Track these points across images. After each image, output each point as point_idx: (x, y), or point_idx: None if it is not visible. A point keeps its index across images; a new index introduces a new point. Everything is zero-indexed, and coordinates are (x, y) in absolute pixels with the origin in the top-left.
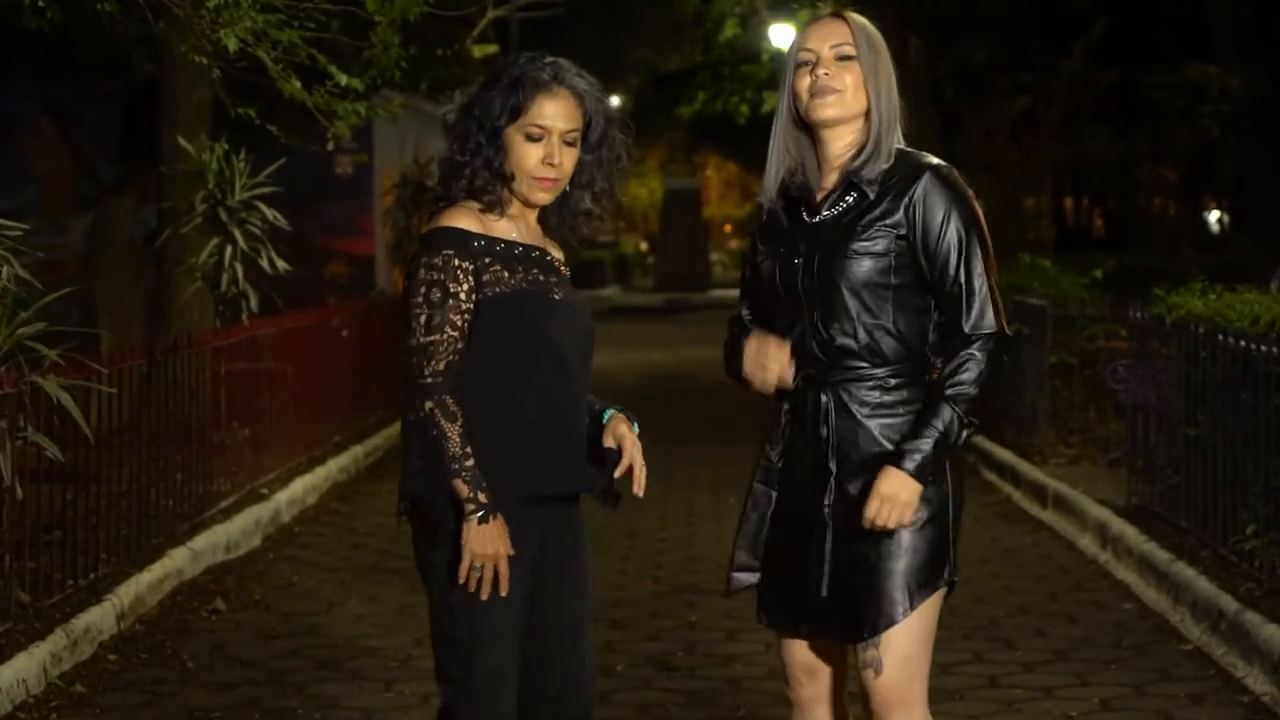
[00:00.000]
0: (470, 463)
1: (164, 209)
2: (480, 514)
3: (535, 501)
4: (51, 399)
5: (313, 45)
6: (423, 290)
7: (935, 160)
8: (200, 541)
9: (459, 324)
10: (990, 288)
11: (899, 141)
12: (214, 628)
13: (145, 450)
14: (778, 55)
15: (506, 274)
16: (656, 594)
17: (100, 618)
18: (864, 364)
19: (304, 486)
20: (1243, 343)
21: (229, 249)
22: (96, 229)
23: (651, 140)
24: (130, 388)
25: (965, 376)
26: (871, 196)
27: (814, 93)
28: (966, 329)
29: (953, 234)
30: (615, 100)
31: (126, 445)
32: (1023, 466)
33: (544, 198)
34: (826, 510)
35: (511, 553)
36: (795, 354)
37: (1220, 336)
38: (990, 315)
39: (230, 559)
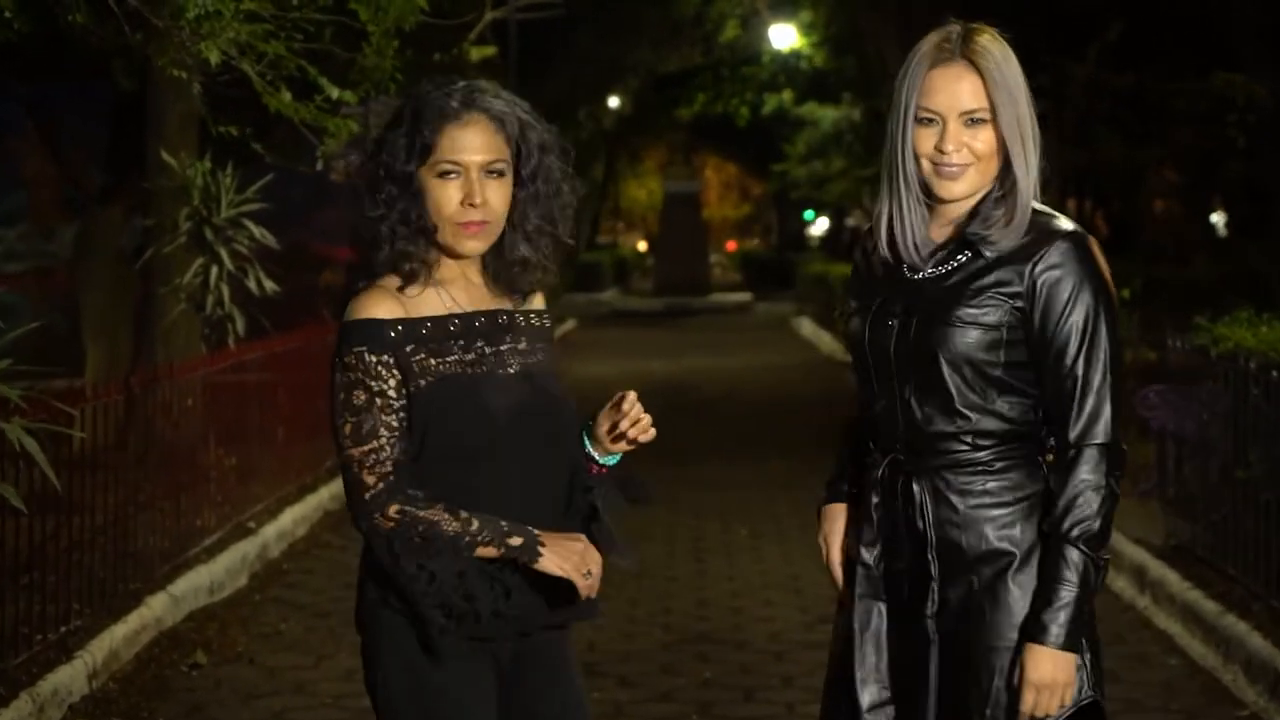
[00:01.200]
0: (475, 524)
1: (149, 226)
2: (532, 551)
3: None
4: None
5: (302, 57)
6: (341, 398)
7: (1070, 225)
8: (181, 585)
9: (395, 424)
10: (1110, 389)
11: (1037, 196)
12: (194, 685)
13: (125, 484)
14: (778, 57)
15: (434, 360)
16: (666, 645)
17: (70, 677)
18: (963, 447)
19: (294, 518)
20: None
21: (214, 269)
22: (82, 239)
23: (651, 141)
24: (108, 420)
25: (1086, 510)
26: (989, 258)
27: (939, 168)
28: (1073, 435)
29: (1078, 317)
30: (614, 100)
31: (105, 478)
32: None
33: (474, 245)
34: (930, 621)
35: (582, 539)
36: (881, 436)
37: (1275, 373)
38: (1104, 422)
39: (214, 602)
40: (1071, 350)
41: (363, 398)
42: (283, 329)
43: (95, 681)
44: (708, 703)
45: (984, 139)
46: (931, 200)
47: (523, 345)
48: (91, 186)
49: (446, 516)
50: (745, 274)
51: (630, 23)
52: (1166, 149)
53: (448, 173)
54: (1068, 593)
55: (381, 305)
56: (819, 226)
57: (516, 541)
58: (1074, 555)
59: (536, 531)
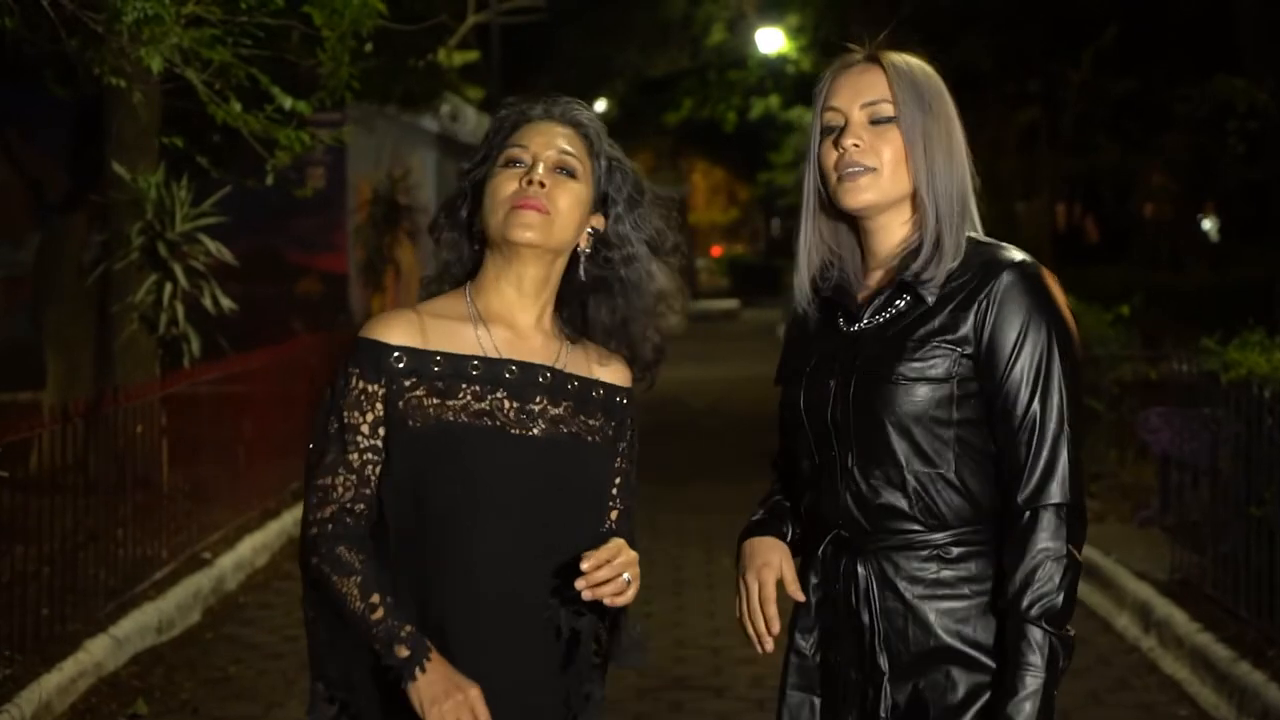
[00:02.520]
0: (379, 613)
1: (104, 240)
2: (410, 669)
3: None
4: None
5: (254, 64)
6: (322, 416)
7: (1019, 255)
8: (127, 625)
9: (357, 464)
10: (1069, 440)
11: (973, 225)
12: None
13: (70, 516)
14: (765, 61)
15: (434, 400)
16: (641, 691)
17: None
18: (916, 526)
19: (253, 546)
20: None
21: (168, 286)
22: (43, 250)
23: (638, 147)
24: (55, 448)
25: (1046, 583)
26: (930, 302)
27: (840, 171)
28: (1025, 494)
29: (1029, 357)
30: (601, 104)
31: (50, 510)
32: None
33: (529, 234)
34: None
35: (475, 690)
36: (820, 512)
37: None
38: (1062, 479)
39: (162, 643)
40: (1023, 396)
41: (335, 426)
42: (251, 342)
43: None
44: None
45: (891, 142)
46: (846, 226)
47: (561, 411)
48: (54, 194)
49: (357, 594)
50: (732, 280)
51: (616, 26)
52: (1163, 154)
53: (512, 161)
54: (1033, 679)
55: (396, 327)
56: None
57: (402, 653)
58: (1036, 635)
59: (432, 655)
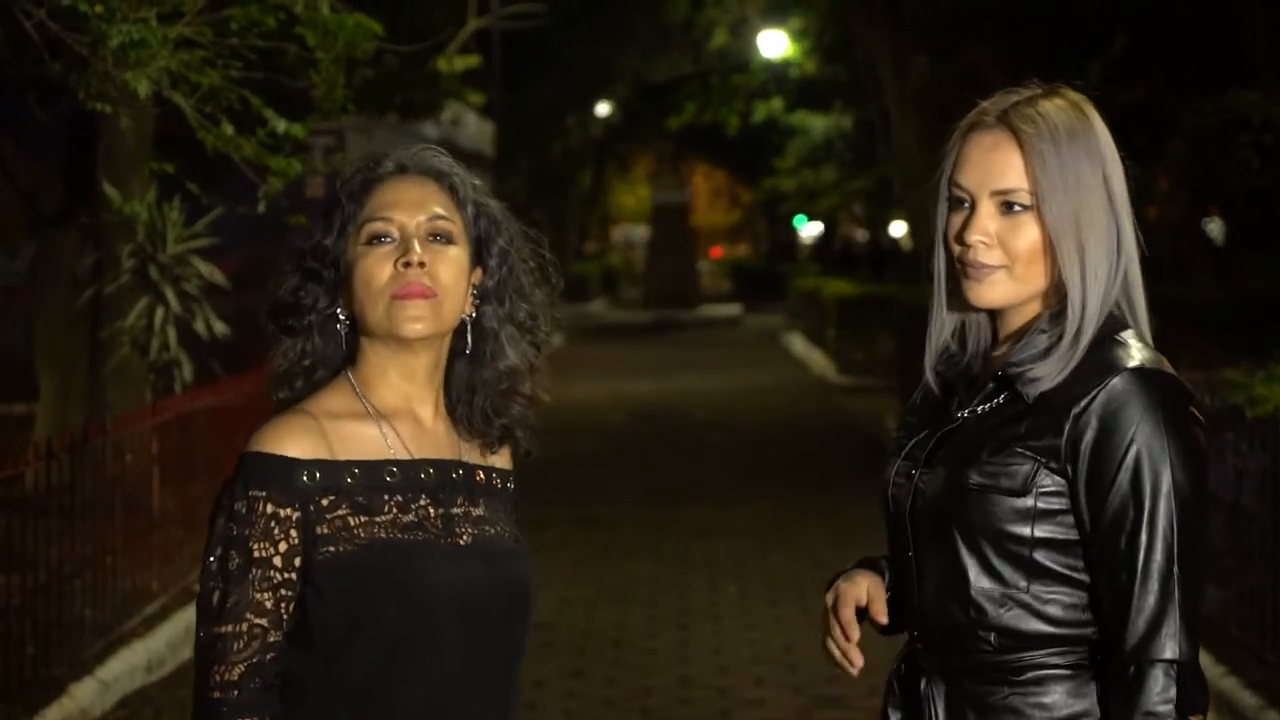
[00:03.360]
0: None
1: (96, 261)
2: None
3: None
4: None
5: (247, 86)
6: (217, 553)
7: (1140, 357)
8: (115, 666)
9: (269, 605)
10: (1184, 583)
11: (1132, 314)
12: None
13: (58, 548)
14: (768, 64)
15: (358, 519)
16: None
17: None
18: (986, 647)
19: None
20: None
21: (160, 310)
22: (37, 263)
23: (640, 150)
24: (40, 480)
25: None
26: (1028, 400)
27: (966, 263)
28: (1129, 645)
29: (1136, 486)
30: (604, 108)
31: (36, 541)
32: None
33: (419, 326)
34: None
35: None
36: (899, 618)
37: None
38: (1173, 630)
39: (150, 683)
40: (1127, 526)
41: (238, 561)
42: (244, 358)
43: None
44: None
45: (1026, 234)
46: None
47: (482, 510)
48: (48, 207)
49: None
50: (735, 284)
51: (617, 30)
52: (1168, 160)
53: (378, 236)
54: None
55: (300, 439)
56: (809, 231)
57: None
58: None
59: None
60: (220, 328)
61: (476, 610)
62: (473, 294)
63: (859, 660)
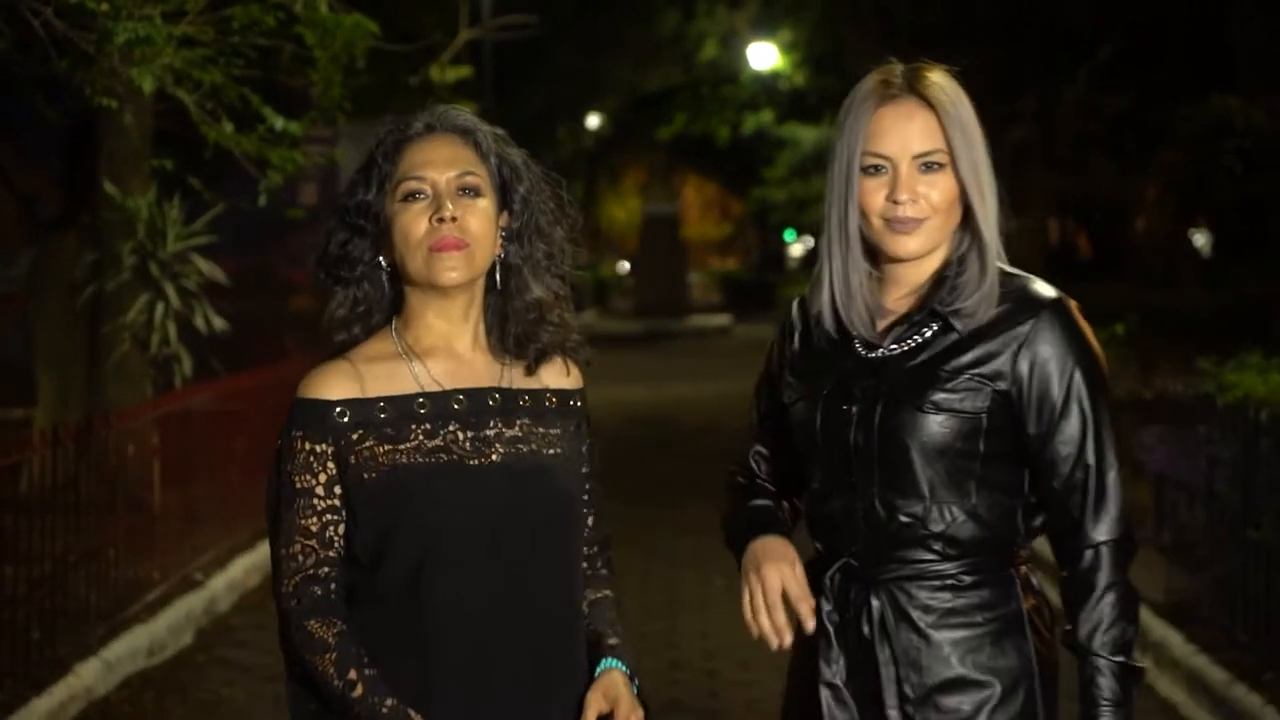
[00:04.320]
0: (359, 690)
1: (96, 260)
2: None
3: None
4: None
5: (246, 84)
6: (273, 488)
7: (1051, 291)
8: (118, 648)
9: (315, 528)
10: (1117, 478)
11: (1001, 254)
12: None
13: (62, 537)
14: (758, 76)
15: (385, 449)
16: None
17: None
18: (931, 556)
19: (245, 567)
20: None
21: (160, 306)
22: (36, 267)
23: (631, 161)
24: (45, 470)
25: (1114, 616)
26: (961, 333)
27: (890, 222)
28: (1095, 536)
29: (1079, 405)
30: (594, 120)
31: (41, 531)
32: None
33: (455, 275)
34: None
35: None
36: (831, 538)
37: None
38: (1120, 516)
39: (152, 665)
40: (1077, 440)
41: (287, 493)
42: (244, 360)
43: None
44: None
45: (942, 187)
46: (879, 261)
47: (517, 430)
48: (47, 212)
49: (334, 672)
50: (725, 295)
51: (609, 42)
52: (1158, 170)
53: (413, 194)
54: (1111, 713)
55: (333, 382)
56: (799, 247)
57: None
58: (1114, 671)
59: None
60: (219, 323)
61: (497, 521)
62: (500, 236)
63: (789, 638)
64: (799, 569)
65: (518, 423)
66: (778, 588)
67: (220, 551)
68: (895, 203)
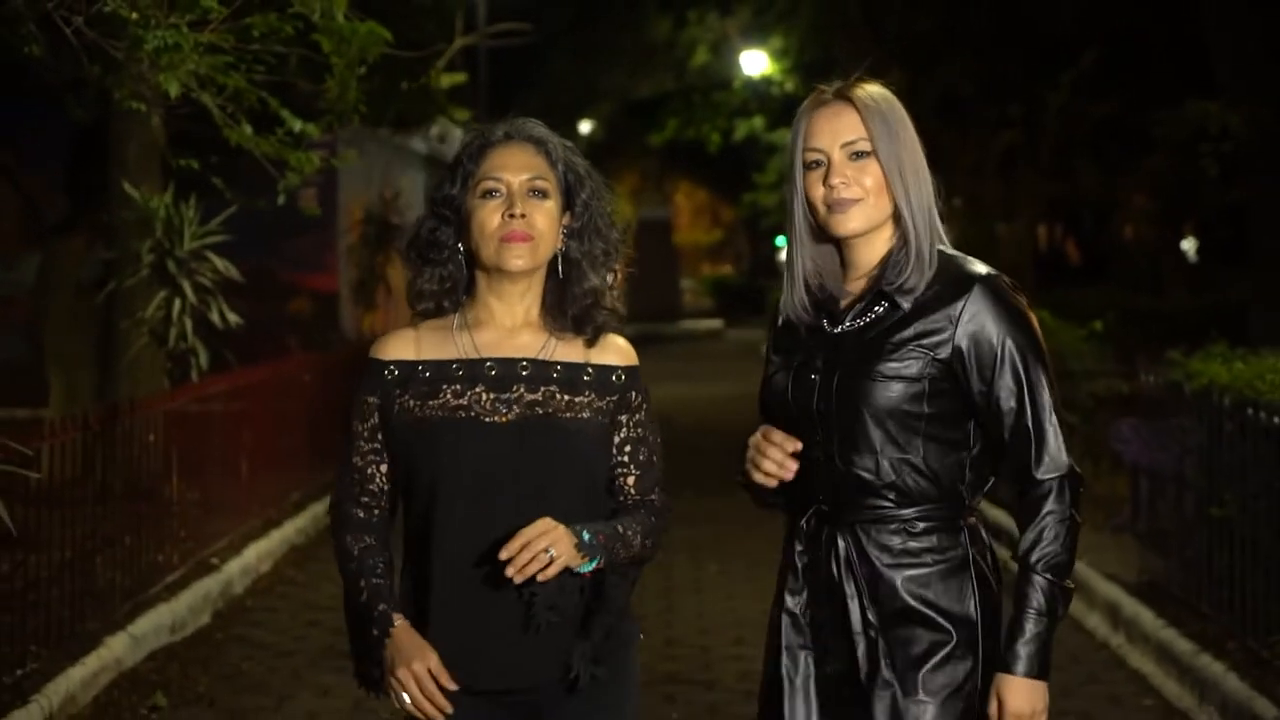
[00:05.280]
0: (364, 595)
1: (110, 259)
2: (377, 645)
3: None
4: None
5: (264, 88)
6: (345, 424)
7: (983, 268)
8: (142, 624)
9: (359, 464)
10: (1057, 421)
11: (940, 238)
12: None
13: (86, 521)
14: (749, 83)
15: (418, 403)
16: None
17: None
18: (886, 503)
19: (258, 553)
20: (1276, 418)
21: (177, 302)
22: (43, 271)
23: (623, 167)
24: (69, 457)
25: (1052, 540)
26: (906, 309)
27: (830, 206)
28: (1038, 474)
29: (1012, 364)
30: (586, 126)
31: (67, 515)
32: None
33: (520, 262)
34: (864, 676)
35: (432, 663)
36: (804, 489)
37: (1249, 410)
38: (1061, 454)
39: (175, 641)
40: (1015, 398)
41: (348, 433)
42: (248, 359)
43: None
44: None
45: (872, 172)
46: (840, 248)
47: (539, 395)
48: (52, 216)
49: (351, 580)
50: (716, 300)
51: (602, 49)
52: (1148, 177)
53: (490, 192)
54: (1039, 623)
55: (393, 345)
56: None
57: (373, 632)
58: (1043, 585)
59: (392, 632)
60: (234, 318)
61: (498, 472)
62: (563, 233)
63: (793, 465)
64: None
65: (542, 389)
66: (766, 435)
67: (234, 538)
68: (831, 187)
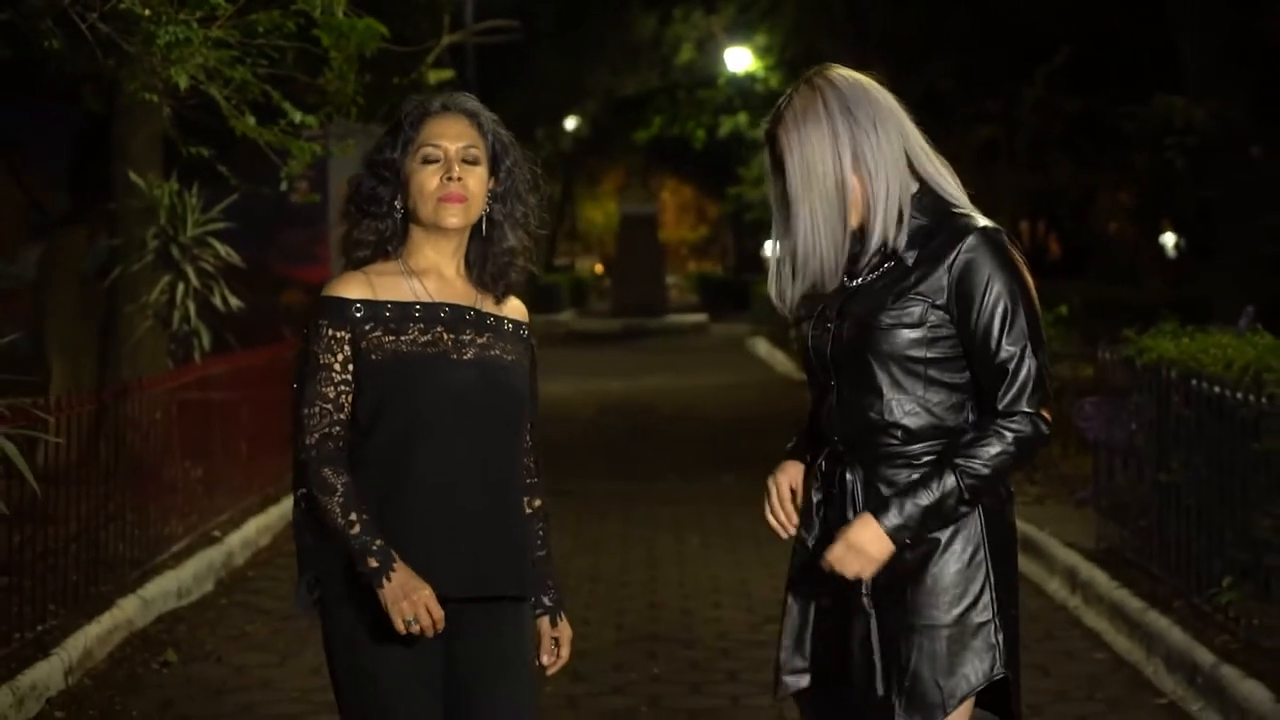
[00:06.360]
0: (356, 529)
1: (115, 245)
2: (378, 577)
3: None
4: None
5: (266, 81)
6: (299, 363)
7: (984, 221)
8: (151, 589)
9: (332, 395)
10: (1038, 367)
11: (954, 191)
12: (164, 682)
13: (96, 493)
14: (733, 80)
15: (389, 338)
16: (619, 643)
17: (48, 673)
18: (893, 441)
19: (257, 527)
20: (1217, 388)
21: (181, 286)
22: (45, 262)
23: (609, 164)
24: (80, 431)
25: (981, 452)
26: (909, 263)
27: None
28: (1003, 403)
29: (996, 302)
30: (571, 123)
31: (77, 488)
32: None
33: (455, 220)
34: (864, 599)
35: (428, 591)
36: (822, 430)
37: (1194, 381)
38: (1030, 396)
39: (182, 606)
40: (995, 334)
41: (311, 367)
42: (246, 347)
43: (71, 678)
44: (657, 696)
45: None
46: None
47: (484, 340)
48: (54, 209)
49: (338, 512)
50: (702, 295)
51: (588, 47)
52: (1119, 171)
53: (429, 159)
54: (925, 500)
55: (350, 285)
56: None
57: (372, 564)
58: (948, 477)
59: (396, 565)
60: (235, 302)
61: (469, 403)
62: (488, 196)
63: (792, 529)
64: (795, 476)
65: (485, 335)
66: (775, 494)
67: (235, 513)
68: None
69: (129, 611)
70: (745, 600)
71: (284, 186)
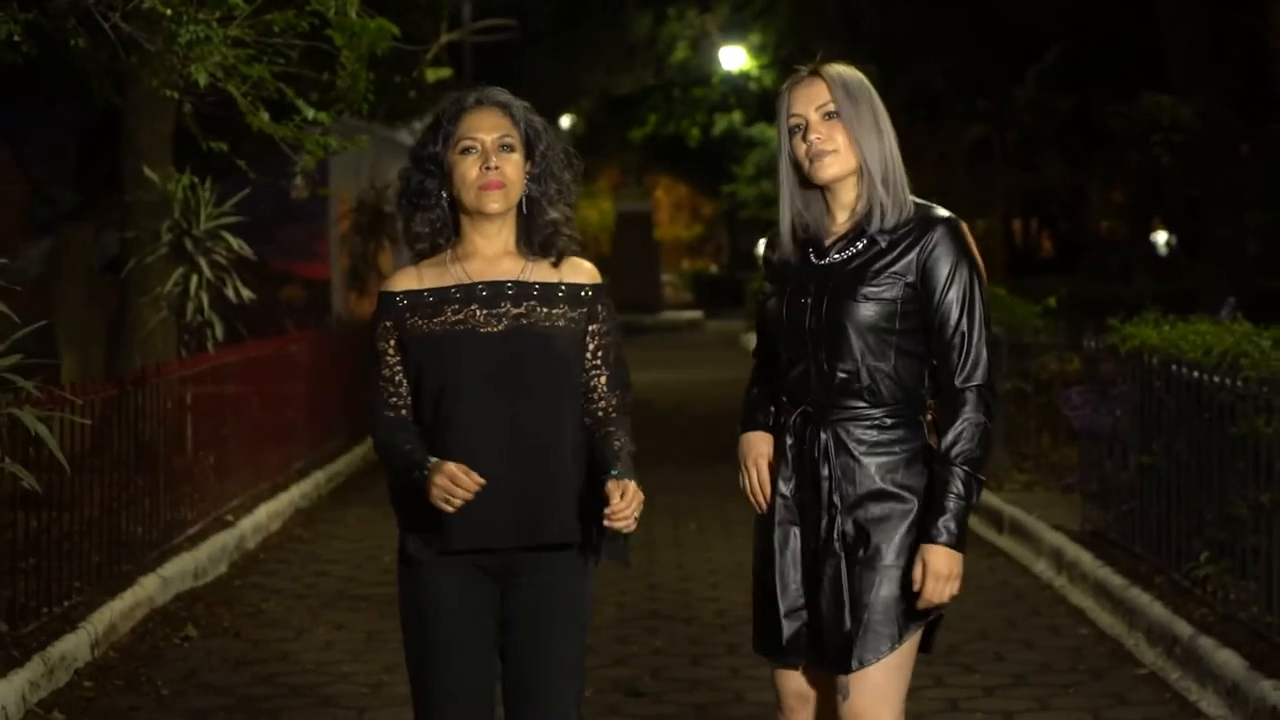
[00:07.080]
0: (408, 447)
1: (128, 239)
2: (422, 480)
3: (476, 553)
4: (28, 430)
5: (280, 79)
6: (365, 352)
7: (946, 214)
8: (169, 569)
9: (388, 376)
10: (986, 341)
11: (906, 189)
12: (186, 655)
13: (114, 478)
14: (728, 78)
15: (424, 321)
16: (621, 620)
17: (75, 646)
18: (863, 404)
19: (268, 513)
20: (1195, 373)
21: (194, 278)
22: (54, 256)
23: (604, 162)
24: (97, 416)
25: (969, 439)
26: (883, 245)
27: (811, 157)
28: (958, 381)
29: (957, 288)
30: (566, 121)
31: (96, 473)
32: None
33: (496, 206)
34: (836, 544)
35: (457, 467)
36: (794, 393)
37: (1174, 367)
38: (983, 368)
39: (199, 586)
40: (954, 314)
41: (373, 354)
42: (265, 327)
43: (97, 650)
44: (659, 667)
45: (840, 130)
46: (825, 194)
47: (523, 310)
48: (62, 204)
49: (394, 447)
50: (696, 293)
51: (584, 45)
52: (1111, 170)
53: (468, 149)
54: (956, 504)
55: (400, 280)
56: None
57: (417, 474)
58: (962, 476)
59: (429, 467)
60: (247, 294)
61: (496, 371)
62: (526, 178)
63: (765, 502)
64: (770, 453)
65: (524, 304)
66: (756, 477)
67: (245, 499)
68: (810, 142)
69: (150, 589)
70: (742, 582)
71: (299, 180)
